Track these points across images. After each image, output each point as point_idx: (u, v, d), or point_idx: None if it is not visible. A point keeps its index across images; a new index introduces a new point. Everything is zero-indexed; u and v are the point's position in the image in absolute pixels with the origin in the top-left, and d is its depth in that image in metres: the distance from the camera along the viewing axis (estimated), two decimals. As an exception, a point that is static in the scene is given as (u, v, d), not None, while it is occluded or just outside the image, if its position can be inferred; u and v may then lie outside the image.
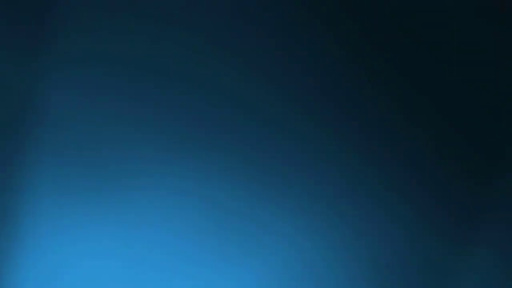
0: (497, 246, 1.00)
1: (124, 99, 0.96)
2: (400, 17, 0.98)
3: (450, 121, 1.00)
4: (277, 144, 0.98)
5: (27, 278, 0.95)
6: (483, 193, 1.00)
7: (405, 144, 0.99)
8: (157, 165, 0.96)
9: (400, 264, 1.00)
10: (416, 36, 0.98)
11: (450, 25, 0.99)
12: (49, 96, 0.95)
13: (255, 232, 0.98)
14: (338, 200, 0.99)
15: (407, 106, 0.99)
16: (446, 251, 1.00)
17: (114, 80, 0.95)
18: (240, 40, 0.97)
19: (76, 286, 0.95)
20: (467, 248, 1.00)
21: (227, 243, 0.97)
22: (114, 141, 0.96)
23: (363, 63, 0.98)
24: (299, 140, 0.98)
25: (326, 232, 0.99)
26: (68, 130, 0.95)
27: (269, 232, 0.98)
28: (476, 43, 0.99)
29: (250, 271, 0.98)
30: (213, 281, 0.97)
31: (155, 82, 0.96)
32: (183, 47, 0.96)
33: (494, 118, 1.00)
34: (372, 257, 0.99)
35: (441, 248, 1.00)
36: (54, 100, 0.95)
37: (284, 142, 0.98)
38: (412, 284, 1.00)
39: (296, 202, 0.98)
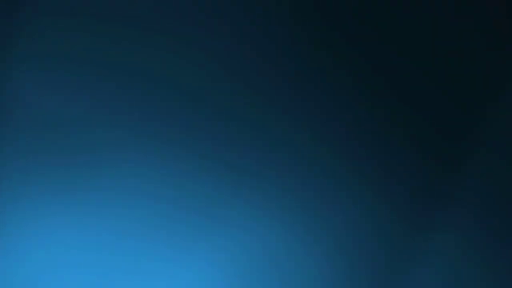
0: (459, 231, 1.01)
1: (92, 99, 0.97)
2: (374, 17, 0.99)
3: (415, 110, 1.01)
4: (243, 138, 0.99)
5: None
6: (446, 180, 1.01)
7: (370, 133, 1.01)
8: (119, 166, 0.97)
9: (365, 251, 1.01)
10: (387, 35, 1.00)
11: (421, 25, 1.00)
12: (17, 96, 0.96)
13: (218, 223, 0.98)
14: (301, 189, 1.00)
15: (374, 96, 1.01)
16: (410, 237, 1.01)
17: (83, 80, 0.96)
18: (215, 40, 0.98)
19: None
20: (430, 233, 1.01)
21: (188, 235, 0.98)
22: (78, 143, 0.97)
23: (331, 59, 0.99)
24: (263, 133, 0.99)
25: (289, 222, 1.00)
26: (36, 130, 0.96)
27: (231, 223, 0.98)
28: (440, 37, 1.01)
29: (213, 263, 0.98)
30: (174, 272, 0.98)
31: (120, 82, 0.97)
32: (157, 47, 0.97)
33: (456, 108, 1.02)
34: (337, 245, 1.00)
35: (405, 233, 1.01)
36: (24, 100, 0.96)
37: (249, 136, 0.99)
38: (377, 269, 1.01)
39: (260, 193, 0.99)
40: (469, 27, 1.01)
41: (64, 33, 0.96)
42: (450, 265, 1.01)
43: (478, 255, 1.01)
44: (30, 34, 0.96)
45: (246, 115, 0.99)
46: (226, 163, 0.99)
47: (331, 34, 0.99)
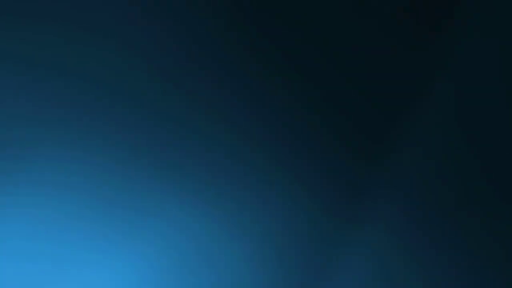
0: (385, 223, 1.03)
1: (28, 97, 0.97)
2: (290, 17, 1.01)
3: (342, 108, 1.02)
4: (176, 137, 1.00)
5: None
6: (372, 173, 1.03)
7: (297, 129, 1.02)
8: (54, 162, 0.98)
9: (295, 244, 1.01)
10: (313, 35, 1.01)
11: (345, 24, 1.02)
12: None
13: (151, 219, 0.99)
14: (232, 186, 1.00)
15: (302, 94, 1.02)
16: (338, 229, 1.02)
17: (19, 79, 0.97)
18: (143, 38, 0.99)
19: None
20: (358, 225, 1.03)
21: (121, 229, 0.98)
22: (12, 139, 0.97)
23: (259, 62, 1.01)
24: (196, 133, 1.00)
25: (220, 218, 1.00)
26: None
27: (160, 217, 0.99)
28: (365, 39, 1.03)
29: (142, 257, 0.99)
30: (102, 264, 0.98)
31: (54, 80, 0.97)
32: (90, 46, 0.98)
33: (382, 106, 1.03)
34: (268, 240, 1.01)
35: (334, 225, 1.02)
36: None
37: (182, 135, 1.00)
38: (307, 262, 1.02)
39: (191, 190, 1.00)
40: (391, 28, 1.03)
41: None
42: (377, 255, 1.02)
43: (403, 246, 1.03)
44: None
45: (180, 115, 1.00)
46: (160, 161, 0.99)
47: (257, 35, 1.01)
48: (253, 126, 1.01)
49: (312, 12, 1.02)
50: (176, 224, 0.99)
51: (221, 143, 1.01)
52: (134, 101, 0.99)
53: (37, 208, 0.97)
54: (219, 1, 0.99)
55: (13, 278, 0.97)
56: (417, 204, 1.03)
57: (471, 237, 1.02)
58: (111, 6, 0.98)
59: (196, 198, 1.00)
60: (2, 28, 0.96)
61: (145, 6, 0.98)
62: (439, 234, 1.03)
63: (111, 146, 0.99)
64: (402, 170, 1.03)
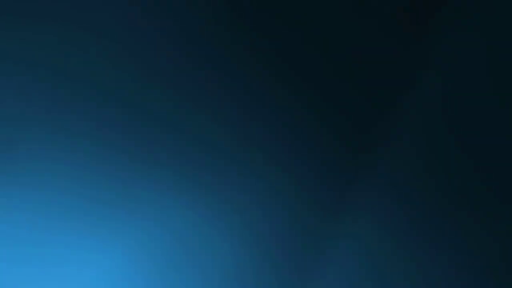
0: (374, 215, 1.04)
1: (16, 95, 0.97)
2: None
3: (328, 99, 1.03)
4: (155, 130, 1.00)
5: None
6: (360, 166, 1.04)
7: (284, 122, 1.02)
8: (34, 160, 0.98)
9: (282, 237, 1.02)
10: (299, 30, 1.02)
11: (333, 20, 1.02)
12: None
13: (132, 215, 0.99)
14: (211, 174, 1.00)
15: (283, 81, 1.02)
16: (324, 219, 1.03)
17: (8, 78, 0.97)
18: (138, 38, 0.99)
19: None
20: (346, 217, 1.03)
21: (103, 227, 0.99)
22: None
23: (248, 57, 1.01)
24: (172, 124, 1.00)
25: (199, 206, 1.00)
26: None
27: (146, 215, 0.99)
28: (354, 33, 1.03)
29: (123, 251, 0.99)
30: (87, 262, 0.99)
31: (43, 80, 0.97)
32: (81, 46, 0.98)
33: (368, 96, 1.04)
34: (255, 234, 1.01)
35: (319, 216, 1.03)
36: None
37: (161, 128, 1.00)
38: (294, 254, 1.03)
39: (176, 186, 1.00)
40: (380, 23, 1.04)
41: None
42: (365, 248, 1.03)
43: (391, 238, 1.03)
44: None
45: (168, 112, 1.00)
46: (146, 160, 1.00)
47: (243, 27, 1.01)
48: (238, 119, 1.01)
49: (304, 10, 1.02)
50: (162, 222, 1.00)
51: (207, 140, 1.01)
52: (124, 100, 0.99)
53: (21, 208, 0.97)
54: (216, 1, 0.99)
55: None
56: (405, 196, 1.04)
57: (459, 228, 1.03)
58: (107, 7, 0.98)
59: (182, 196, 1.00)
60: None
61: (144, 6, 0.98)
62: (427, 225, 1.03)
63: (97, 145, 0.99)
64: (389, 163, 1.04)
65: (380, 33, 1.04)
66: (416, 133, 1.04)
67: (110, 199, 0.99)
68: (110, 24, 0.98)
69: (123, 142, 0.99)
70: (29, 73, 0.97)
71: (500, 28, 1.04)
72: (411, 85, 1.04)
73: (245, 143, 1.02)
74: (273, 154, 1.02)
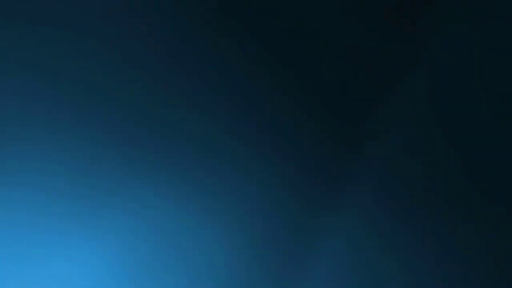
0: (361, 209, 1.04)
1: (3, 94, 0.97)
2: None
3: (315, 94, 1.03)
4: (147, 129, 1.00)
5: None
6: (347, 161, 1.04)
7: (272, 117, 1.03)
8: (21, 160, 0.98)
9: (270, 232, 1.02)
10: (288, 28, 1.01)
11: (319, 20, 1.02)
12: None
13: (117, 211, 1.00)
14: (203, 175, 1.01)
15: (272, 80, 1.02)
16: (313, 216, 1.03)
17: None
18: (130, 38, 0.99)
19: None
20: (334, 212, 1.03)
21: (88, 223, 0.99)
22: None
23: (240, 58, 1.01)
24: (165, 123, 1.01)
25: (191, 206, 1.01)
26: None
27: (132, 211, 1.00)
28: (344, 30, 1.03)
29: (110, 247, 1.00)
30: (72, 258, 0.99)
31: (32, 80, 0.98)
32: (73, 46, 0.98)
33: (356, 91, 1.04)
34: (243, 229, 1.02)
35: (309, 212, 1.03)
36: None
37: (153, 127, 1.00)
38: (283, 249, 1.03)
39: (161, 181, 1.00)
40: (370, 19, 1.03)
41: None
42: (352, 242, 1.03)
43: (378, 232, 1.04)
44: None
45: (154, 108, 1.00)
46: (132, 156, 1.00)
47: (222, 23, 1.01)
48: (228, 118, 1.01)
49: (293, 8, 1.02)
50: (148, 217, 1.00)
51: (198, 139, 1.01)
52: (118, 100, 0.99)
53: (7, 207, 0.98)
54: (207, 2, 0.99)
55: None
56: (392, 191, 1.04)
57: (445, 222, 1.03)
58: (98, 7, 0.98)
59: (168, 191, 1.01)
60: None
61: (138, 9, 0.98)
62: (413, 220, 1.04)
63: (90, 145, 0.99)
64: (378, 159, 1.04)
65: (369, 30, 1.04)
66: (404, 130, 1.04)
67: (100, 197, 0.99)
68: (106, 25, 0.98)
69: (117, 142, 0.99)
70: (27, 74, 0.98)
71: (488, 26, 1.04)
72: (400, 82, 1.04)
73: (236, 142, 1.02)
74: (262, 151, 1.02)
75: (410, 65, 1.04)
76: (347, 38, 1.03)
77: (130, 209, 1.00)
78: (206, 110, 1.01)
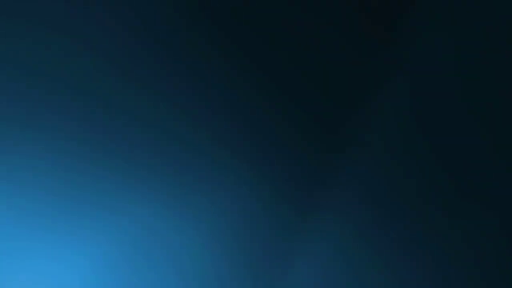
0: (344, 211, 1.05)
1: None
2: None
3: (297, 98, 1.03)
4: (130, 130, 1.01)
5: None
6: (330, 162, 1.04)
7: (254, 119, 1.03)
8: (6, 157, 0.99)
9: (254, 233, 1.02)
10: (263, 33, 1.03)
11: (300, 24, 1.04)
12: None
13: (102, 210, 1.00)
14: (187, 175, 1.01)
15: (254, 84, 1.03)
16: (297, 217, 1.03)
17: None
18: (107, 38, 0.99)
19: None
20: (317, 213, 1.04)
21: (74, 221, 0.99)
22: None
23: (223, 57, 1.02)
24: (145, 123, 1.01)
25: (178, 206, 1.01)
26: None
27: (117, 209, 1.00)
28: (320, 39, 1.04)
29: (97, 246, 1.00)
30: (57, 256, 0.99)
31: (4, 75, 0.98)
32: (43, 41, 0.99)
33: (338, 94, 1.05)
34: (225, 228, 1.02)
35: (292, 214, 1.03)
36: None
37: (135, 128, 1.01)
38: (267, 250, 1.03)
39: (146, 180, 1.00)
40: (349, 24, 1.05)
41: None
42: (336, 243, 1.04)
43: (361, 234, 1.04)
44: None
45: (135, 109, 1.01)
46: (120, 154, 1.00)
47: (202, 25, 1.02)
48: (208, 115, 1.02)
49: (271, 10, 1.03)
50: (135, 216, 1.00)
51: (181, 137, 1.02)
52: (104, 100, 1.00)
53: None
54: (183, 2, 1.00)
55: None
56: (375, 193, 1.05)
57: (429, 224, 1.04)
58: (77, 6, 0.99)
59: (155, 191, 1.01)
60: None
61: (120, 12, 0.99)
62: (397, 222, 1.04)
63: (76, 144, 0.99)
64: (359, 160, 1.05)
65: (348, 35, 1.05)
66: (384, 133, 1.05)
67: (88, 197, 0.99)
68: (88, 27, 0.99)
69: (105, 142, 0.99)
70: (15, 73, 0.98)
71: (466, 30, 1.06)
72: (379, 86, 1.06)
73: (223, 145, 1.02)
74: (245, 152, 1.02)
75: (390, 70, 1.06)
76: (326, 44, 1.04)
77: (118, 209, 1.00)
78: (192, 113, 1.02)
